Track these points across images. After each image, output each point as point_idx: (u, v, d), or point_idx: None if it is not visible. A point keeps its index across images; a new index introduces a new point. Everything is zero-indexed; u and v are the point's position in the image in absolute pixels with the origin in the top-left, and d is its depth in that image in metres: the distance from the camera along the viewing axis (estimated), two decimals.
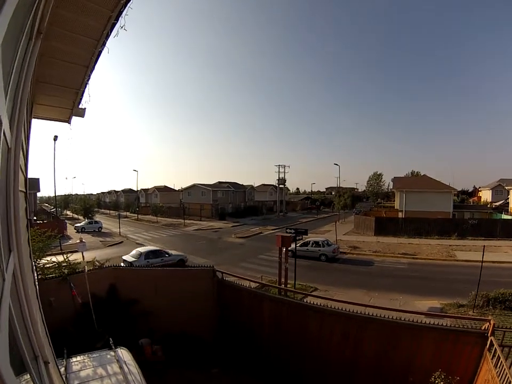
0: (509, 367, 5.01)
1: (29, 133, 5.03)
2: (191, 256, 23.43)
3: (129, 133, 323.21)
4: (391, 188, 62.38)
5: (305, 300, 10.29)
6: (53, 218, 41.19)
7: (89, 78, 4.87)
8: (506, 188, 54.16)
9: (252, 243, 31.58)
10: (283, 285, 13.06)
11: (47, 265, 10.74)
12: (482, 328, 6.49)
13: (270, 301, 9.42)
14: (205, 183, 63.23)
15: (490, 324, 6.23)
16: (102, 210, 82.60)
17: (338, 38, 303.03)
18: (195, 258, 23.02)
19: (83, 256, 11.10)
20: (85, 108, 5.95)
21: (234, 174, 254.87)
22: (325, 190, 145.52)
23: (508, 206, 48.22)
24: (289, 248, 14.29)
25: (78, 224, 42.37)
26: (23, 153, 3.68)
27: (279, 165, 65.31)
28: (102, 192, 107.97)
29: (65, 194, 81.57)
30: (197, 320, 10.35)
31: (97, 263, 12.01)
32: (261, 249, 27.49)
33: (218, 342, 10.45)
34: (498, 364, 5.31)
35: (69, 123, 6.57)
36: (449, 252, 25.40)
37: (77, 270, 10.52)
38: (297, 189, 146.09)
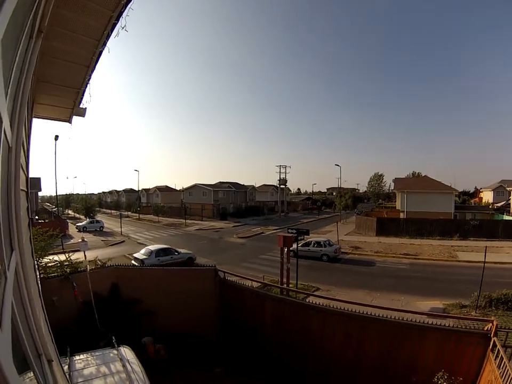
0: None
1: (30, 132, 5.04)
2: None
3: (130, 133, 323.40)
4: (392, 188, 62.27)
5: (307, 300, 10.27)
6: (55, 217, 41.24)
7: (90, 78, 4.87)
8: (508, 188, 53.99)
9: (253, 243, 31.58)
10: (285, 285, 13.05)
11: (49, 264, 10.78)
12: (485, 328, 6.48)
13: (272, 301, 9.41)
14: (206, 183, 63.31)
15: (493, 324, 6.22)
16: (104, 210, 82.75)
17: (338, 38, 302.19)
18: (197, 258, 23.01)
19: (85, 255, 11.09)
20: (85, 108, 5.96)
21: (236, 174, 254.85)
22: (326, 191, 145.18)
23: (510, 207, 47.94)
24: (290, 248, 14.28)
25: (80, 224, 42.46)
26: (24, 152, 3.68)
27: (280, 165, 65.41)
28: (103, 192, 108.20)
29: (66, 194, 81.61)
30: (199, 319, 10.36)
31: (99, 262, 12.01)
32: (263, 249, 27.47)
33: (221, 341, 10.46)
34: (502, 365, 5.29)
35: (70, 123, 6.57)
36: (451, 252, 25.34)
37: (79, 269, 10.55)
38: (299, 189, 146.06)
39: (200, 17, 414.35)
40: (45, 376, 2.51)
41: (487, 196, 67.80)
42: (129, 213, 68.11)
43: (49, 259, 11.02)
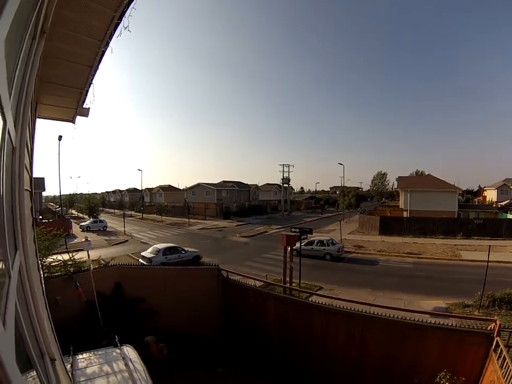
0: None
1: (34, 132, 5.06)
2: None
3: (133, 133, 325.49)
4: (396, 187, 62.12)
5: (310, 299, 10.27)
6: (59, 217, 41.48)
7: (93, 78, 4.88)
8: None
9: (256, 242, 31.57)
10: (288, 284, 13.05)
11: (53, 264, 10.83)
12: (488, 328, 6.45)
13: (275, 300, 9.42)
14: (210, 182, 63.36)
15: (496, 324, 6.19)
16: (107, 209, 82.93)
17: (338, 38, 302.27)
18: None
19: (88, 255, 11.16)
20: (89, 108, 5.97)
21: (239, 174, 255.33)
22: (329, 189, 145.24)
23: None
24: (294, 247, 14.27)
25: (83, 223, 42.58)
26: (28, 153, 3.70)
27: (283, 164, 65.33)
28: (107, 192, 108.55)
29: (70, 194, 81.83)
30: (202, 319, 10.38)
31: (102, 262, 12.07)
32: (266, 248, 27.47)
33: (224, 340, 10.48)
34: (504, 365, 5.27)
35: (73, 123, 6.59)
36: (454, 251, 25.23)
37: (82, 269, 10.60)
38: (302, 188, 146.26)
39: (201, 17, 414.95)
40: (47, 375, 2.53)
41: (491, 195, 67.42)
42: (133, 212, 68.32)
43: (53, 258, 11.09)
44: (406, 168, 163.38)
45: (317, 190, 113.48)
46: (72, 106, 5.87)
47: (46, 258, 10.83)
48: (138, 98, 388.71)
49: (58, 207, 53.92)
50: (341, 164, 55.10)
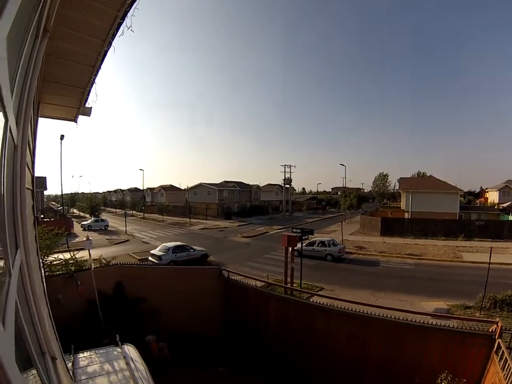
0: None
1: (36, 131, 5.08)
2: None
3: (135, 133, 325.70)
4: (397, 188, 61.89)
5: (311, 299, 10.26)
6: (60, 216, 41.51)
7: (95, 77, 4.88)
8: None
9: (257, 242, 31.56)
10: (289, 284, 13.03)
11: (54, 263, 10.85)
12: (490, 330, 6.43)
13: (276, 300, 9.42)
14: (211, 182, 63.36)
15: (497, 326, 6.17)
16: (108, 209, 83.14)
17: (340, 38, 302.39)
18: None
19: (89, 254, 11.17)
20: (91, 107, 5.98)
21: (240, 174, 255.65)
22: (330, 190, 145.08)
23: None
24: (295, 248, 14.27)
25: (85, 222, 42.67)
26: (30, 151, 3.71)
27: (284, 165, 65.33)
28: (108, 191, 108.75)
29: (71, 193, 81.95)
30: (203, 318, 10.38)
31: (103, 261, 12.08)
32: (267, 248, 27.45)
33: (225, 340, 10.48)
34: (506, 367, 5.24)
35: (76, 122, 6.60)
36: (456, 253, 25.16)
37: (83, 268, 10.61)
38: (303, 188, 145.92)
39: (202, 17, 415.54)
40: (48, 373, 2.53)
41: (493, 196, 67.11)
42: (134, 212, 68.41)
43: (54, 257, 11.10)
44: (407, 169, 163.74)
45: (319, 190, 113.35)
46: (74, 105, 5.88)
47: (48, 257, 10.84)
48: (139, 97, 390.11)
49: (60, 206, 54.01)
50: (343, 165, 55.02)
